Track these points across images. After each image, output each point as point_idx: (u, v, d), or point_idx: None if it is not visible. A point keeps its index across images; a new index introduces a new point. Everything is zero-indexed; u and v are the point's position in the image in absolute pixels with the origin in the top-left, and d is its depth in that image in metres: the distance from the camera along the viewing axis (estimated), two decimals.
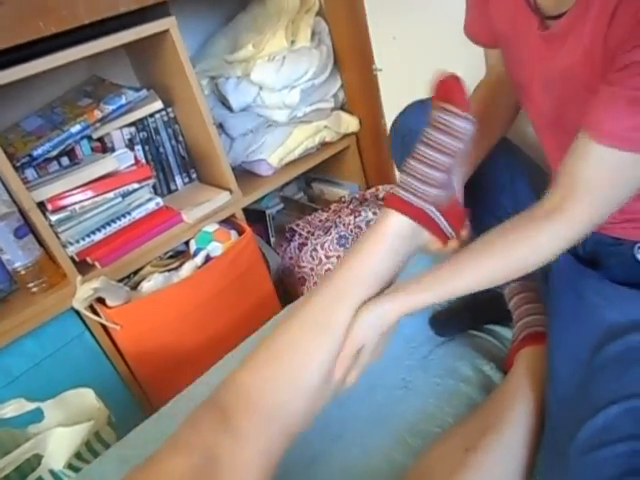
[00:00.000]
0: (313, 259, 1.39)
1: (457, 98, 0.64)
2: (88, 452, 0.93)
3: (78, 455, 0.92)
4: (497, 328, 0.95)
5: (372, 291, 0.66)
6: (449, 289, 0.64)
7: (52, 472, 0.90)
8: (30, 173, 1.12)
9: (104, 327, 1.14)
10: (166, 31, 1.09)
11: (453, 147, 0.64)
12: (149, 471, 0.57)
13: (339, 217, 1.44)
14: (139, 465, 0.59)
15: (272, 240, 1.52)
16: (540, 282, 0.84)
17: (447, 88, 0.65)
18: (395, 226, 0.66)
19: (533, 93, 0.68)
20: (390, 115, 1.44)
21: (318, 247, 1.38)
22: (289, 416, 0.63)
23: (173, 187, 1.36)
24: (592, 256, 0.73)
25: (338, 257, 1.36)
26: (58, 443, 0.88)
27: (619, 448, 0.55)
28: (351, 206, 1.47)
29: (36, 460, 0.91)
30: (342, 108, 1.53)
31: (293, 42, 1.31)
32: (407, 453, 0.76)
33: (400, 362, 0.90)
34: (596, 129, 0.53)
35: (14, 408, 0.93)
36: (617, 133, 0.51)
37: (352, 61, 1.42)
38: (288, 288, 1.48)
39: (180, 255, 1.26)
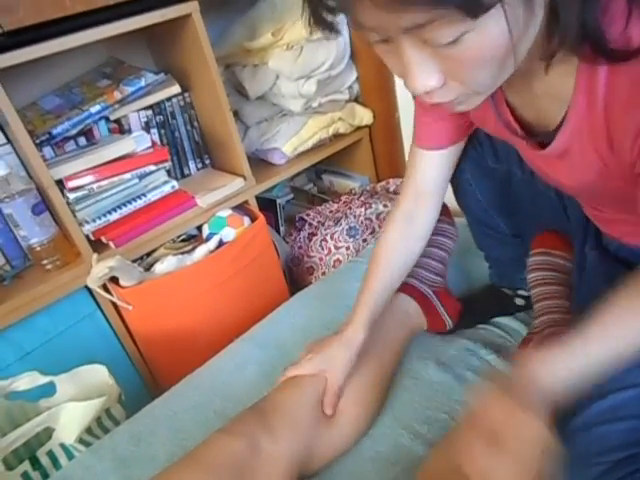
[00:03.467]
0: (322, 249, 1.40)
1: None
2: (98, 428, 0.94)
3: (89, 430, 0.93)
4: (502, 320, 0.97)
5: None
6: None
7: (63, 446, 0.91)
8: (47, 151, 1.13)
9: (115, 307, 1.15)
10: (188, 15, 1.09)
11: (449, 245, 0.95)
12: (205, 448, 0.70)
13: (350, 208, 1.45)
14: (197, 445, 0.71)
15: (282, 229, 1.53)
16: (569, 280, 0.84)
17: None
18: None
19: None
20: (404, 109, 1.44)
21: (328, 237, 1.39)
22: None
23: (186, 172, 1.37)
24: (625, 262, 0.72)
25: (347, 248, 1.37)
26: (70, 417, 0.89)
27: (625, 424, 0.56)
28: (362, 198, 1.48)
29: (45, 434, 0.92)
30: (356, 100, 1.53)
31: (312, 32, 1.31)
32: (415, 439, 0.78)
33: (408, 354, 0.91)
34: None
35: (27, 381, 0.94)
36: None
37: (368, 54, 1.42)
38: (296, 277, 1.49)
39: (192, 239, 1.27)
